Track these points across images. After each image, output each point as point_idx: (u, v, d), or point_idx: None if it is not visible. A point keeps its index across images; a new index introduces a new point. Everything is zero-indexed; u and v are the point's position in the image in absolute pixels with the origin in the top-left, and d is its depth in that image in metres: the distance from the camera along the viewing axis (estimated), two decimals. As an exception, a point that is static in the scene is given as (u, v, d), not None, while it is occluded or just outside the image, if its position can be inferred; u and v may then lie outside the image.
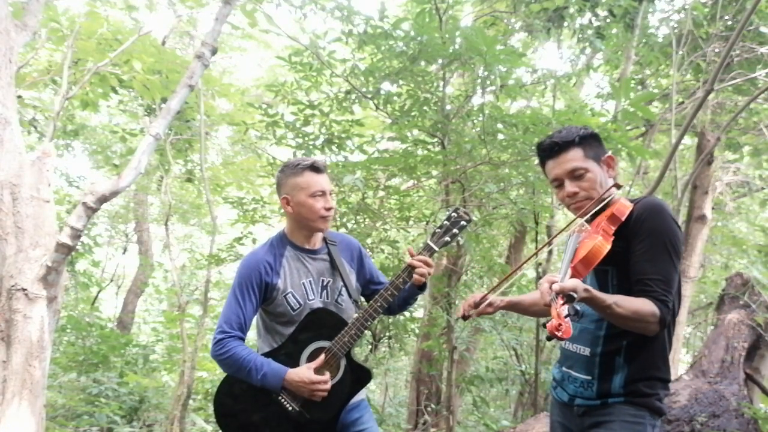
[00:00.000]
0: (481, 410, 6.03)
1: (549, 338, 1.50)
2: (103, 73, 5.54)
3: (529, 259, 2.09)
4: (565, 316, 1.51)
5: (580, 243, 1.77)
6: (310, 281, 2.28)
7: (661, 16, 6.46)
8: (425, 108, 4.66)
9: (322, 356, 2.18)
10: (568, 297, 1.54)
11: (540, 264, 5.79)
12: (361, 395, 2.37)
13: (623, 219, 1.82)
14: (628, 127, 5.39)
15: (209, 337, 5.92)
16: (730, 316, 4.81)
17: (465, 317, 2.08)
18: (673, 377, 4.65)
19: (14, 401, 2.82)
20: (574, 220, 1.89)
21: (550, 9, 5.66)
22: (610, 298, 1.69)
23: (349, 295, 2.34)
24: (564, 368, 2.01)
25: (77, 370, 6.63)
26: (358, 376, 2.26)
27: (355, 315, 2.25)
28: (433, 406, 6.10)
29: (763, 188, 8.13)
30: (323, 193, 2.23)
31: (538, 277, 5.13)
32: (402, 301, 2.40)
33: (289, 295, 2.24)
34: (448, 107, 4.78)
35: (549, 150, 1.95)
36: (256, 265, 2.23)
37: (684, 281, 5.75)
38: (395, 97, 4.80)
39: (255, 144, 7.34)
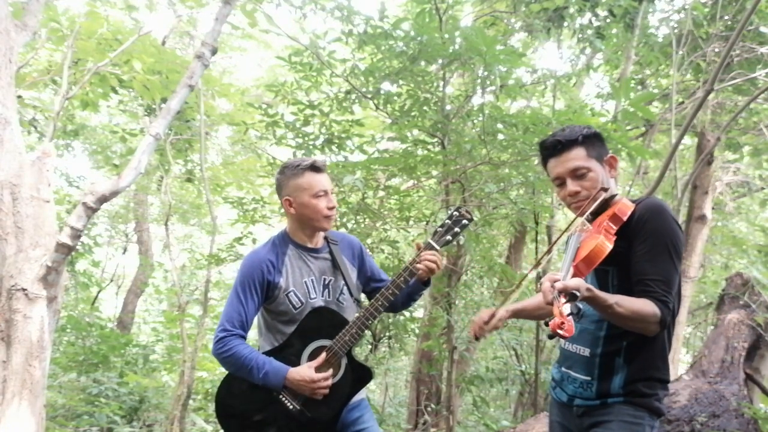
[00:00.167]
0: (481, 410, 6.03)
1: (551, 336, 1.51)
2: (103, 73, 5.54)
3: (536, 265, 2.08)
4: (568, 315, 1.51)
5: (582, 242, 1.77)
6: (312, 280, 2.29)
7: (661, 16, 6.46)
8: (425, 108, 4.66)
9: (323, 354, 2.19)
10: (570, 296, 1.55)
11: (538, 261, 5.78)
12: (362, 395, 2.37)
13: (625, 219, 1.82)
14: (628, 127, 5.40)
15: (209, 337, 5.93)
16: (730, 316, 4.81)
17: (478, 338, 2.07)
18: (673, 377, 4.66)
19: (14, 401, 2.82)
20: (575, 219, 1.89)
21: (550, 9, 5.65)
22: (611, 298, 1.69)
23: (351, 294, 2.34)
24: (563, 368, 2.01)
25: (77, 370, 6.64)
26: (359, 375, 2.26)
27: (356, 314, 2.25)
28: (433, 406, 6.10)
29: (763, 188, 8.14)
30: (325, 193, 2.23)
31: (539, 278, 5.13)
32: (406, 297, 2.41)
33: (291, 293, 2.24)
34: (448, 107, 4.78)
35: (552, 148, 1.94)
36: (259, 263, 2.23)
37: (684, 281, 5.75)
38: (395, 97, 4.80)
39: (255, 144, 7.34)
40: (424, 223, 5.29)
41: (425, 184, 5.59)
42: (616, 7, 5.47)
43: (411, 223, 5.30)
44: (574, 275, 1.66)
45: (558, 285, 1.56)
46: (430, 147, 4.86)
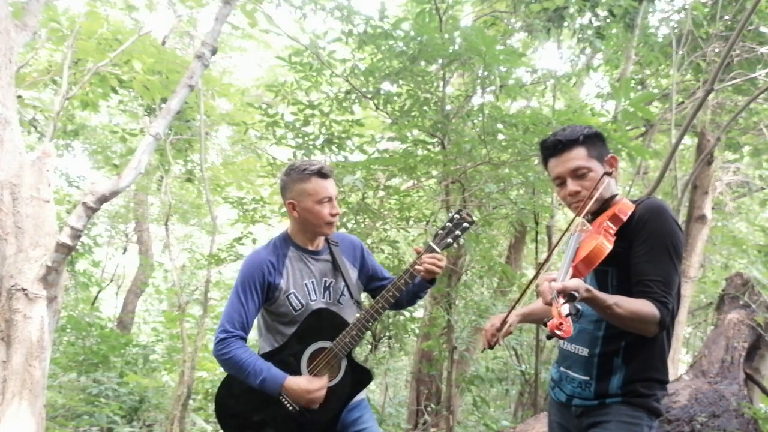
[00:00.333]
0: (481, 410, 6.03)
1: (549, 337, 1.51)
2: (103, 73, 5.54)
3: (542, 266, 2.06)
4: (566, 315, 1.51)
5: (582, 243, 1.77)
6: (312, 282, 2.29)
7: (661, 16, 6.46)
8: (425, 108, 4.66)
9: (324, 373, 2.19)
10: (569, 296, 1.55)
11: (541, 265, 5.78)
12: (361, 395, 2.37)
13: (625, 219, 1.82)
14: (628, 127, 5.39)
15: (209, 337, 5.93)
16: (730, 316, 4.80)
17: (491, 346, 2.04)
18: (673, 377, 4.66)
19: (14, 401, 2.82)
20: (574, 219, 1.89)
21: (550, 9, 5.65)
22: (610, 299, 1.69)
23: (351, 296, 2.34)
24: (562, 368, 2.02)
25: (77, 370, 6.63)
26: (359, 376, 2.27)
27: (357, 316, 2.25)
28: (433, 406, 6.10)
29: (763, 188, 8.13)
30: (330, 199, 2.23)
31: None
32: (412, 296, 2.42)
33: (292, 295, 2.25)
34: (448, 107, 4.77)
35: (552, 148, 1.94)
36: (259, 264, 2.23)
37: (684, 281, 5.75)
38: (395, 97, 4.80)
39: (255, 144, 7.34)
40: (424, 223, 5.29)
41: (425, 184, 5.59)
42: (616, 7, 5.47)
43: (411, 223, 5.30)
44: (573, 275, 1.66)
45: (557, 285, 1.55)
46: (430, 147, 4.86)
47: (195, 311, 8.12)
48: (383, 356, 6.27)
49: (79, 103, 6.35)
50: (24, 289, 2.92)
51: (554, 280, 1.59)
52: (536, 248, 6.31)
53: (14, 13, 3.41)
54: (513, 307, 1.89)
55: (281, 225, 5.28)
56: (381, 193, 5.30)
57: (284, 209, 2.33)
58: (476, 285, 6.42)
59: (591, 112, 5.56)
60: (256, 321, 2.32)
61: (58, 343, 7.17)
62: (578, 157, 1.89)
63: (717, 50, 5.62)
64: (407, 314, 5.44)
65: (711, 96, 5.24)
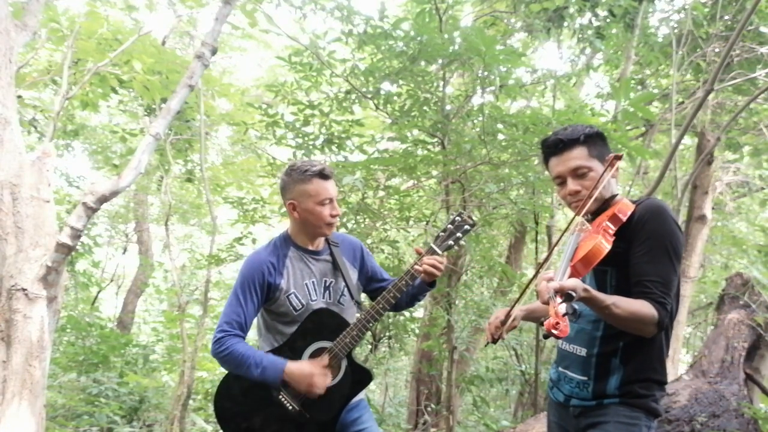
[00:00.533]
0: (481, 410, 6.03)
1: (546, 336, 1.51)
2: (103, 73, 5.54)
3: (541, 265, 2.06)
4: (563, 315, 1.51)
5: (580, 242, 1.76)
6: (312, 282, 2.29)
7: (661, 16, 6.46)
8: (425, 108, 4.66)
9: (326, 356, 2.19)
10: (566, 296, 1.54)
11: (540, 264, 5.77)
12: (361, 395, 2.37)
13: (625, 220, 1.81)
14: (628, 127, 5.39)
15: (209, 337, 5.92)
16: (730, 316, 4.80)
17: (495, 340, 2.01)
18: (673, 377, 4.66)
19: (14, 401, 2.82)
20: (574, 218, 1.88)
21: (550, 9, 5.65)
22: (608, 299, 1.69)
23: (351, 296, 2.35)
24: (560, 368, 2.01)
25: (77, 370, 6.63)
26: (359, 377, 2.27)
27: (357, 316, 2.26)
28: (433, 406, 6.10)
29: (763, 188, 8.13)
30: (331, 201, 2.24)
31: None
32: (411, 297, 2.43)
33: (292, 295, 2.25)
34: (448, 107, 4.77)
35: (553, 147, 1.94)
36: (259, 265, 2.23)
37: (684, 281, 5.75)
38: (395, 97, 4.80)
39: (255, 144, 7.34)
40: (424, 223, 5.29)
41: (425, 184, 5.59)
42: (616, 7, 5.47)
43: (411, 223, 5.30)
44: (571, 275, 1.66)
45: (554, 285, 1.55)
46: (430, 147, 4.86)
47: (195, 311, 8.12)
48: (383, 356, 6.28)
49: (79, 103, 6.35)
50: (24, 289, 2.92)
51: (552, 279, 1.59)
52: (536, 248, 6.31)
53: (14, 13, 3.41)
54: (517, 301, 1.88)
55: (281, 225, 5.28)
56: (381, 193, 5.30)
57: (284, 209, 2.33)
58: (476, 285, 6.42)
59: (591, 112, 5.56)
60: (255, 321, 2.32)
61: (58, 343, 7.17)
62: (579, 156, 1.89)
63: (717, 50, 5.62)
64: (407, 314, 5.45)
65: (711, 96, 5.24)
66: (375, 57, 4.63)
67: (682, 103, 6.35)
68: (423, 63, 4.47)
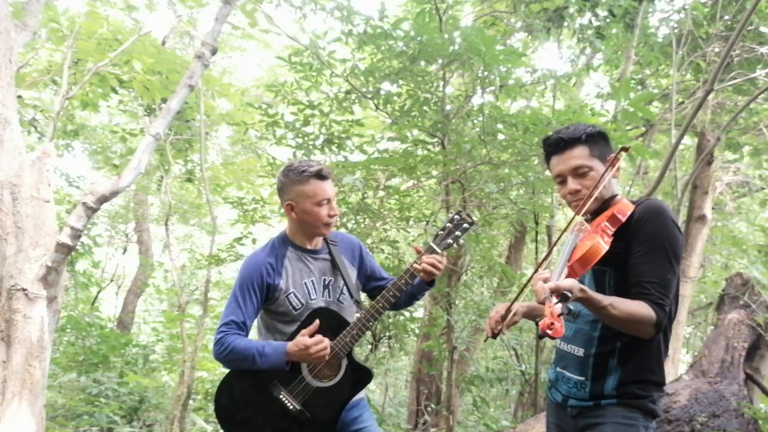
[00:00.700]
0: (481, 410, 6.03)
1: (541, 336, 1.51)
2: (103, 73, 5.54)
3: (540, 264, 2.06)
4: (558, 315, 1.50)
5: (579, 242, 1.76)
6: (312, 281, 2.29)
7: (661, 16, 6.45)
8: (425, 108, 4.66)
9: (316, 321, 2.16)
10: (562, 296, 1.54)
11: (539, 263, 5.77)
12: (361, 394, 2.37)
13: (624, 220, 1.81)
14: (628, 127, 5.39)
15: (209, 337, 5.93)
16: (730, 316, 4.80)
17: (495, 335, 1.96)
18: (673, 377, 4.66)
19: (14, 401, 2.82)
20: (573, 217, 1.88)
21: (550, 9, 5.65)
22: (606, 299, 1.68)
23: (351, 295, 2.35)
24: (558, 368, 2.01)
25: (77, 370, 6.63)
26: (359, 376, 2.27)
27: (357, 315, 2.25)
28: (433, 406, 6.10)
29: (763, 188, 8.13)
30: (328, 201, 2.23)
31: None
32: (409, 297, 2.43)
33: (291, 295, 2.25)
34: (448, 107, 4.77)
35: (555, 146, 1.93)
36: (258, 266, 2.24)
37: (684, 281, 5.75)
38: (395, 97, 4.80)
39: (255, 144, 7.34)
40: (424, 223, 5.29)
41: (425, 184, 5.59)
42: (616, 7, 5.47)
43: (411, 223, 5.31)
44: (569, 275, 1.65)
45: (550, 285, 1.55)
46: (430, 147, 4.86)
47: (195, 311, 8.12)
48: (383, 356, 6.27)
49: (79, 103, 6.35)
50: (24, 289, 2.92)
51: (548, 279, 1.59)
52: (536, 248, 6.31)
53: (14, 13, 3.41)
54: (515, 300, 1.87)
55: (281, 225, 5.28)
56: (381, 193, 5.30)
57: (285, 212, 2.33)
58: (476, 285, 6.42)
59: (591, 112, 5.56)
60: (255, 321, 2.32)
61: (58, 343, 7.17)
62: (580, 155, 1.89)
63: (717, 50, 5.62)
64: (407, 314, 5.44)
65: (711, 96, 5.24)
66: (375, 57, 4.63)
67: (682, 103, 6.35)
68: (423, 63, 4.47)
